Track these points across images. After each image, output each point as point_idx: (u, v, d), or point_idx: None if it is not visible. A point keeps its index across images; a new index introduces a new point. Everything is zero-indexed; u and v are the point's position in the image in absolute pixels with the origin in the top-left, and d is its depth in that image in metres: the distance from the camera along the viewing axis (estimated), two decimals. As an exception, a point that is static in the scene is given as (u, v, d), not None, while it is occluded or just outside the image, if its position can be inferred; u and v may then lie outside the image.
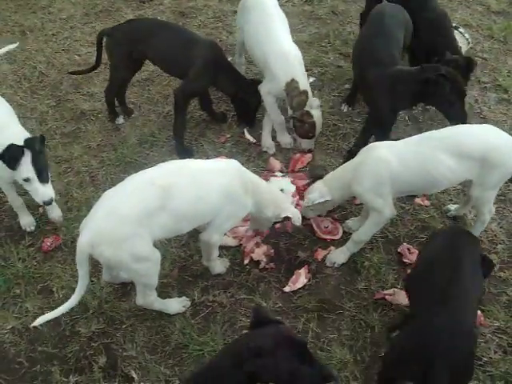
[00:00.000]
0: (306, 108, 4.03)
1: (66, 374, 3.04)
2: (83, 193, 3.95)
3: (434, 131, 3.44)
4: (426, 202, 3.90)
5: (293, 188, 3.84)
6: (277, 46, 4.07)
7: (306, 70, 4.89)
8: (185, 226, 3.10)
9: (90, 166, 4.14)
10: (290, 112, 4.14)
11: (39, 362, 3.10)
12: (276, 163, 4.15)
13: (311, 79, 4.85)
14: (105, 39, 4.20)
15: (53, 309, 3.26)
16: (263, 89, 4.19)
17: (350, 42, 5.24)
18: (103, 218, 2.85)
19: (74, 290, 3.32)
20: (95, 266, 3.50)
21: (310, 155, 4.22)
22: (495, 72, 5.01)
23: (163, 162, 3.47)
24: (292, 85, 4.01)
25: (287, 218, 3.38)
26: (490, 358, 3.10)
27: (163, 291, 3.36)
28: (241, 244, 3.62)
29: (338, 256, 3.53)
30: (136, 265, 2.91)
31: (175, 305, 3.27)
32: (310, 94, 4.07)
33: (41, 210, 3.84)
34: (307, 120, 4.02)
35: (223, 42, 5.33)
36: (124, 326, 3.23)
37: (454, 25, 5.13)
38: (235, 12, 5.61)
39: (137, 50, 4.10)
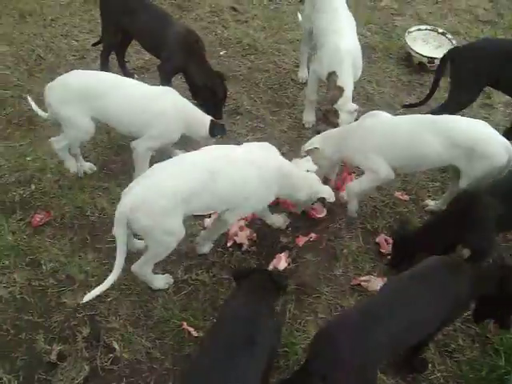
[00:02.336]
0: (336, 106, 4.02)
1: (49, 343, 3.13)
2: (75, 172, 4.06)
3: (429, 115, 3.66)
4: (405, 197, 4.05)
5: (315, 167, 3.70)
6: (335, 37, 4.13)
7: (296, 66, 5.17)
8: (220, 206, 3.32)
9: (83, 148, 4.22)
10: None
11: (25, 330, 3.19)
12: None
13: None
14: None
15: (40, 280, 3.43)
16: (312, 66, 4.40)
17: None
18: (150, 188, 3.05)
19: (61, 263, 3.51)
20: (84, 241, 3.65)
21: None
22: (479, 78, 5.17)
23: None
24: (332, 77, 4.09)
25: (322, 199, 3.55)
26: (458, 345, 3.23)
27: None
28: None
29: (349, 210, 3.83)
30: (163, 237, 3.10)
31: (160, 281, 3.39)
32: (347, 94, 4.03)
33: (32, 186, 3.95)
34: (331, 118, 4.05)
35: (218, 36, 5.47)
36: (109, 300, 3.34)
37: (441, 31, 5.34)
38: (231, 8, 5.84)
39: (123, 22, 4.36)
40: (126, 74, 4.73)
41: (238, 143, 4.30)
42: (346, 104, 4.01)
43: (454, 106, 4.05)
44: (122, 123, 3.78)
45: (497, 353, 3.12)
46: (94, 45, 4.86)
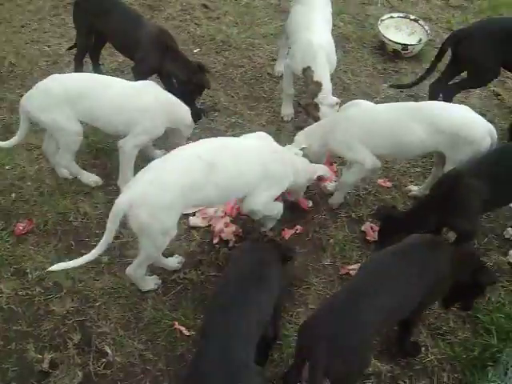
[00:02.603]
0: (316, 100, 4.03)
1: (40, 351, 3.09)
2: (56, 178, 4.01)
3: (412, 102, 3.69)
4: (388, 184, 4.08)
5: (301, 152, 3.76)
6: (308, 32, 4.15)
7: (272, 60, 5.15)
8: (227, 197, 3.37)
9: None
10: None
11: (14, 340, 3.15)
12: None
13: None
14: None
15: (27, 289, 3.38)
16: (286, 61, 4.41)
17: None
18: (149, 183, 3.01)
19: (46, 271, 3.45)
20: (68, 247, 3.61)
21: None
22: (453, 62, 5.22)
23: None
24: (307, 72, 4.09)
25: (320, 177, 3.65)
26: (450, 327, 3.27)
27: None
28: (210, 224, 3.73)
29: (333, 199, 3.87)
30: (158, 235, 3.07)
31: (149, 282, 3.38)
32: (326, 87, 4.04)
33: (13, 195, 3.90)
34: (312, 111, 4.05)
35: (191, 33, 5.44)
36: (97, 304, 3.31)
37: (413, 17, 5.38)
38: (203, 5, 5.81)
39: (96, 24, 4.33)
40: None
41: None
42: (327, 98, 4.02)
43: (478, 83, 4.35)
44: (109, 122, 3.75)
45: (488, 332, 3.16)
46: (69, 49, 4.80)
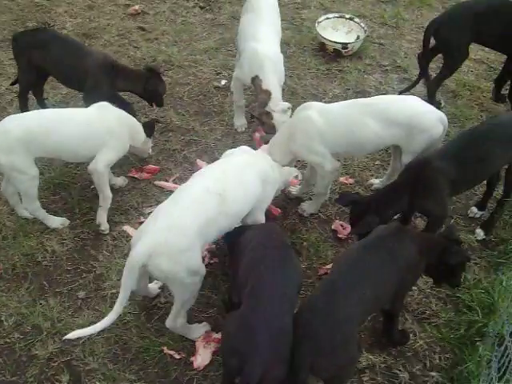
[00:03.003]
0: (268, 109, 4.05)
1: (30, 399, 3.01)
2: (16, 220, 3.89)
3: (363, 98, 3.78)
4: (350, 180, 4.15)
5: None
6: (254, 42, 4.18)
7: (217, 74, 5.16)
8: (236, 222, 3.25)
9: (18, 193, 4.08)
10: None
11: (0, 393, 3.05)
12: (203, 164, 4.25)
13: (222, 82, 5.06)
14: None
15: (5, 337, 3.27)
16: (235, 73, 4.43)
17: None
18: (165, 230, 2.85)
19: (23, 315, 3.36)
20: (42, 288, 3.51)
21: None
22: (393, 55, 5.39)
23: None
24: (256, 81, 4.12)
25: (296, 177, 3.77)
26: (432, 310, 3.35)
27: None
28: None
29: (309, 207, 3.89)
30: (188, 279, 2.92)
31: (196, 330, 3.24)
32: (275, 95, 4.08)
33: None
34: (266, 120, 4.07)
35: (131, 57, 5.39)
36: (81, 341, 3.22)
37: (349, 16, 5.50)
38: (139, 28, 5.78)
39: (36, 58, 4.23)
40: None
41: (176, 160, 4.35)
42: (277, 105, 4.06)
43: (451, 67, 4.54)
44: (76, 152, 3.72)
45: (470, 309, 3.25)
46: (12, 84, 4.68)
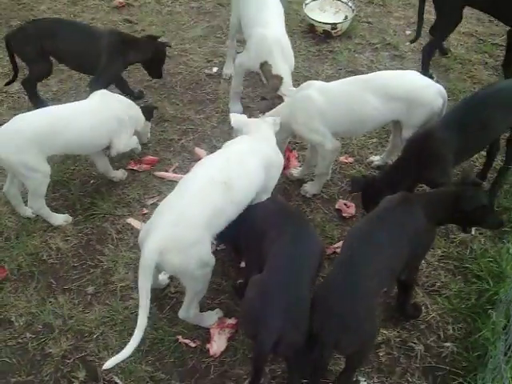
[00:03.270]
0: (280, 93, 4.00)
1: (47, 398, 2.99)
2: (18, 220, 3.86)
3: (361, 75, 3.77)
4: (350, 159, 4.16)
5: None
6: (262, 27, 4.13)
7: (207, 62, 5.14)
8: (242, 210, 3.16)
9: (20, 192, 4.04)
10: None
11: (16, 393, 3.03)
12: (202, 152, 4.24)
13: (214, 69, 5.04)
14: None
15: (17, 338, 3.24)
16: (237, 59, 4.39)
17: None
18: (173, 224, 2.81)
19: (33, 314, 3.33)
20: (49, 286, 3.49)
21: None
22: (382, 33, 5.39)
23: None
24: (265, 67, 4.07)
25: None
26: (442, 282, 3.38)
27: (123, 294, 3.41)
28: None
29: (311, 188, 3.88)
30: (199, 271, 2.89)
31: (209, 317, 3.23)
32: (286, 80, 4.03)
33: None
34: (278, 103, 4.01)
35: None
36: (95, 337, 3.21)
37: (335, -4, 5.48)
38: (125, 20, 5.71)
39: (46, 46, 4.24)
40: (42, 103, 4.50)
41: (174, 149, 4.33)
42: (290, 89, 4.02)
43: (443, 31, 4.57)
44: (90, 145, 3.78)
45: (479, 278, 3.28)
46: (7, 84, 4.59)
